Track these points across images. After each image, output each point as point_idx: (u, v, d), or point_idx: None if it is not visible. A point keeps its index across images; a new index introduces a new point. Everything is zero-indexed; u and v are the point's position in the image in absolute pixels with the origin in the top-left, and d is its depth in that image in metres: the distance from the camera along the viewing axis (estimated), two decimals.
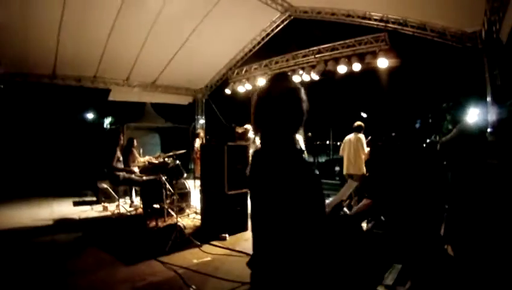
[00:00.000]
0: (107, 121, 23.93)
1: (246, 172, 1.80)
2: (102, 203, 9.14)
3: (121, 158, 7.92)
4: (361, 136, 8.23)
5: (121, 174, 7.58)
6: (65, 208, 9.17)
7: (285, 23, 11.95)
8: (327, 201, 1.88)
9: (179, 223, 6.33)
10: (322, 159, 20.13)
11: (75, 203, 9.69)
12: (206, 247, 5.83)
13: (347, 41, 10.42)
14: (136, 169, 8.56)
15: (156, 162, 8.41)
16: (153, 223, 7.00)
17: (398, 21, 9.31)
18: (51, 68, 11.96)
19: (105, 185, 9.18)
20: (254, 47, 13.09)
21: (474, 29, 8.15)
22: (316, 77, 11.00)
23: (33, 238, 6.53)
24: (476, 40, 8.15)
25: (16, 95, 13.70)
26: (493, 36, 7.48)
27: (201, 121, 16.44)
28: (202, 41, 11.90)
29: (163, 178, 7.16)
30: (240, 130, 7.48)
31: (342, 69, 10.24)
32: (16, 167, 12.96)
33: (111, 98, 14.16)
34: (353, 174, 8.11)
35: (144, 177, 7.56)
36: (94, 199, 9.95)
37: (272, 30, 12.31)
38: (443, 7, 8.25)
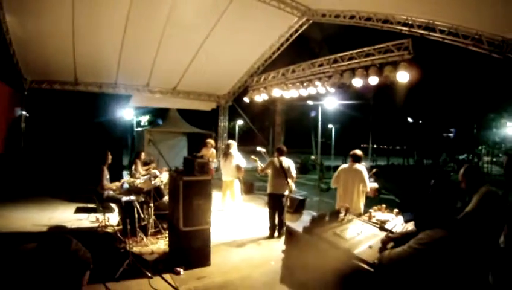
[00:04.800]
0: (145, 119, 24.52)
1: None
2: (96, 214, 8.93)
3: (108, 176, 7.76)
4: (361, 167, 6.61)
5: (105, 192, 7.43)
6: (66, 214, 9.23)
7: (304, 27, 11.25)
8: None
9: (133, 250, 6.25)
10: None
11: (77, 210, 9.70)
12: (155, 280, 5.48)
13: (365, 49, 9.42)
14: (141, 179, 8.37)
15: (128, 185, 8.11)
16: (123, 245, 6.71)
17: (424, 25, 8.07)
18: (72, 76, 12.34)
19: None
20: (273, 53, 12.54)
21: None
22: (331, 90, 10.28)
23: (21, 244, 6.56)
24: None
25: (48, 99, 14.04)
26: None
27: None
28: (219, 48, 11.64)
29: (137, 200, 7.10)
30: (204, 158, 6.77)
31: (357, 82, 9.35)
32: (49, 168, 13.31)
33: (132, 103, 14.27)
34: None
35: (123, 198, 7.33)
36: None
37: (291, 35, 11.67)
38: (479, 8, 7.04)
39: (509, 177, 3.91)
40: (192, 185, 5.91)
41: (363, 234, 3.25)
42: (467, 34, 7.45)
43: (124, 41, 10.59)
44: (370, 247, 2.94)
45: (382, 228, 3.53)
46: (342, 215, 3.62)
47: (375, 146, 34.28)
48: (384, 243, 2.84)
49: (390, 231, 3.45)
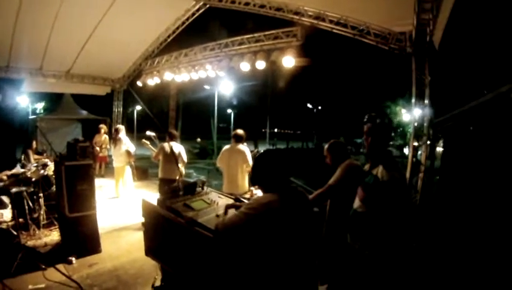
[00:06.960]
0: (40, 106, 23.33)
1: None
2: None
3: None
4: (244, 148, 6.94)
5: None
6: None
7: (200, 11, 11.44)
8: None
9: (27, 244, 6.23)
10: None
11: None
12: (50, 271, 5.55)
13: (255, 35, 10.01)
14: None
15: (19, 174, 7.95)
16: (16, 239, 6.56)
17: (315, 15, 8.54)
18: None
19: None
20: (169, 36, 12.64)
21: (403, 29, 7.43)
22: (221, 74, 10.71)
23: None
24: (405, 42, 7.44)
25: None
26: (425, 39, 6.92)
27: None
28: (114, 30, 11.40)
29: (27, 191, 6.97)
30: (86, 143, 6.80)
31: (244, 66, 9.89)
32: None
33: (25, 88, 13.62)
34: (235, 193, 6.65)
35: (13, 190, 7.17)
36: None
37: (187, 19, 11.82)
38: (366, 1, 7.73)
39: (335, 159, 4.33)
40: (75, 170, 5.99)
41: (215, 205, 3.50)
42: (356, 25, 8.04)
43: (17, 20, 10.05)
44: (217, 216, 3.15)
45: (238, 200, 3.79)
46: (198, 188, 3.90)
47: (276, 130, 36.65)
48: (226, 208, 3.03)
49: (239, 200, 3.76)
